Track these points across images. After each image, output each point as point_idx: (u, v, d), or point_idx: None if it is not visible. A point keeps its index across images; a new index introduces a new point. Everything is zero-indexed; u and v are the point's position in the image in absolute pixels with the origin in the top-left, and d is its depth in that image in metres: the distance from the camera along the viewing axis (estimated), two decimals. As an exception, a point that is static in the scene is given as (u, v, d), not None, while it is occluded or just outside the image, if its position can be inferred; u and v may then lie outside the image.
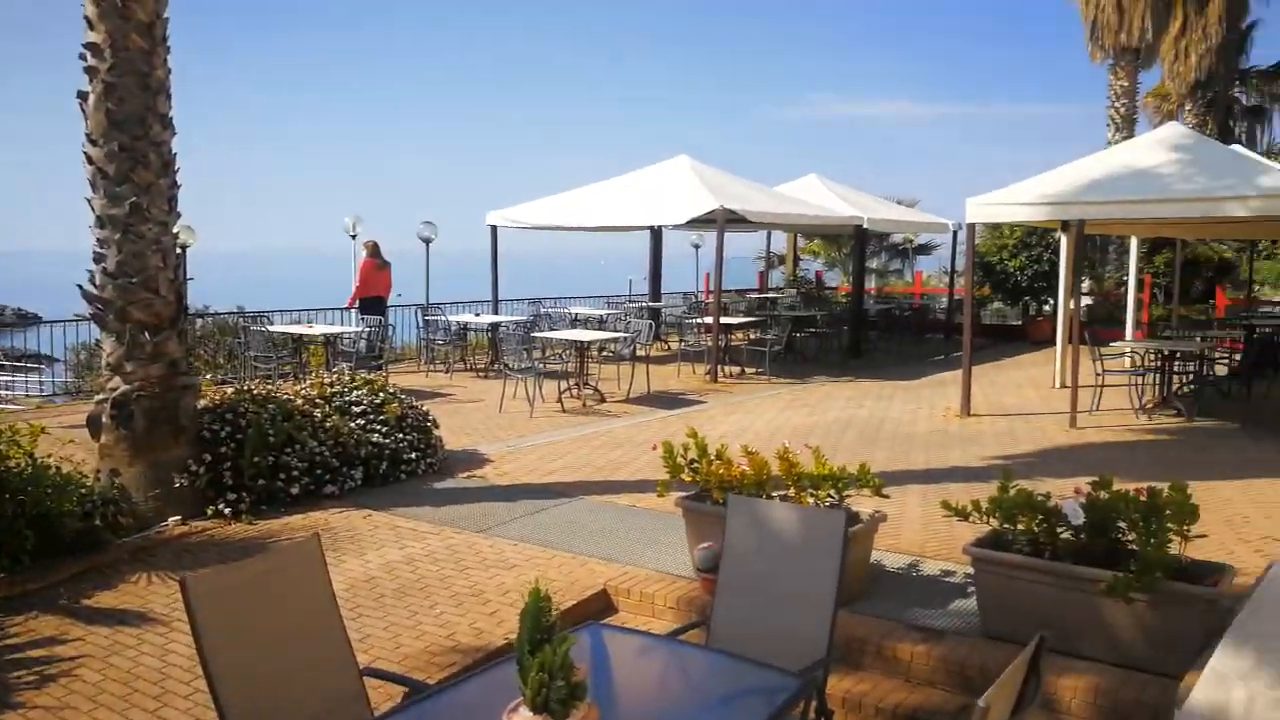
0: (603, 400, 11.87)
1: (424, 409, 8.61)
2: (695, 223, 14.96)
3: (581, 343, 12.05)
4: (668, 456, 5.63)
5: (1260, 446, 9.28)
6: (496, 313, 16.09)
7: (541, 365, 12.28)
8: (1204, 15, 20.62)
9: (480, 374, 14.35)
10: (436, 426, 8.56)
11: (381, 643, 4.85)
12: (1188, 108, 22.18)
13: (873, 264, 26.28)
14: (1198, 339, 12.60)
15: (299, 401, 7.69)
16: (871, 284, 24.97)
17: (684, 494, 5.75)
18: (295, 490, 7.15)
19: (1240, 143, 22.65)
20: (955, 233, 19.61)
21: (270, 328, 13.06)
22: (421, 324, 15.14)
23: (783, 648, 3.47)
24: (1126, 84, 22.05)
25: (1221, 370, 12.89)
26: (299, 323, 13.90)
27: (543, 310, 17.19)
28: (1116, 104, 22.22)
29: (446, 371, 14.60)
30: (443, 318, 15.22)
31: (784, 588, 3.77)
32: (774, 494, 5.34)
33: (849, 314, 17.64)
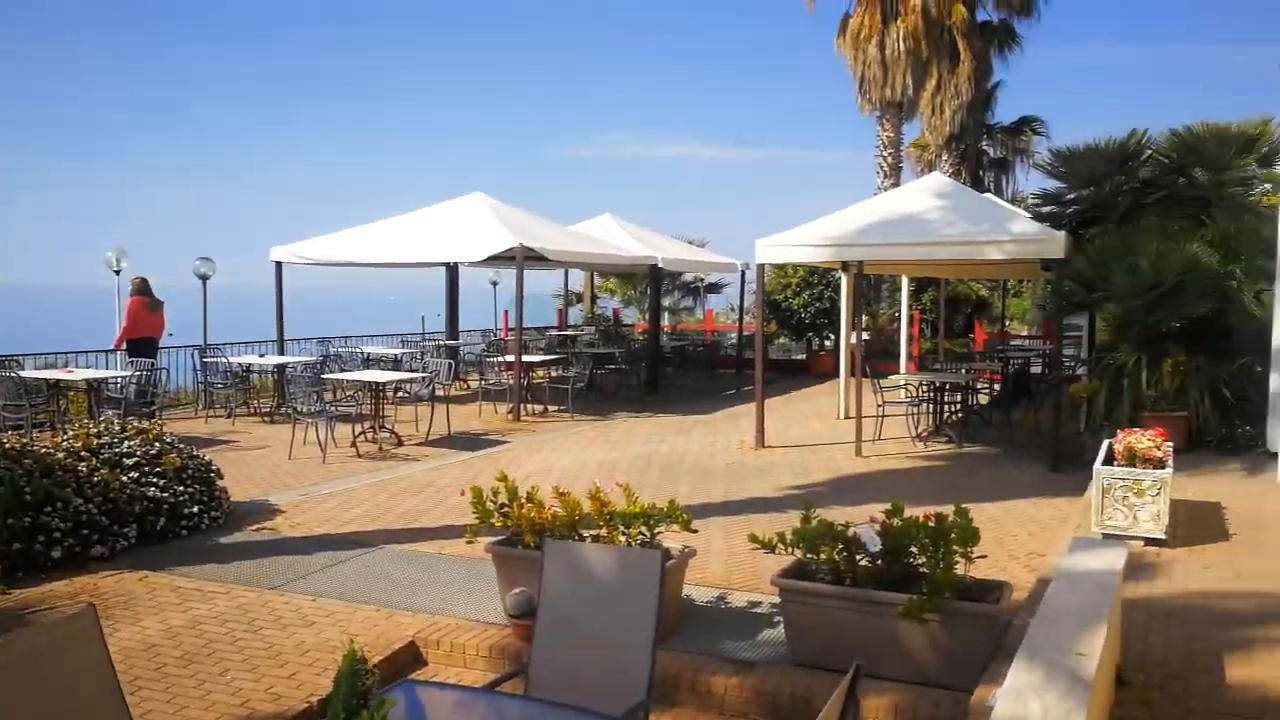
0: (400, 443, 11.50)
1: (206, 458, 8.04)
2: (493, 260, 14.86)
3: (376, 383, 11.64)
4: (477, 501, 5.50)
5: (1020, 469, 10.13)
6: (283, 353, 15.31)
7: (333, 408, 11.77)
8: (955, 75, 22.61)
9: (266, 419, 13.60)
10: (220, 477, 8.00)
11: (165, 718, 4.44)
12: (945, 158, 24.17)
13: (666, 302, 26.97)
14: (963, 371, 13.67)
15: (60, 455, 6.99)
16: (666, 321, 25.61)
17: (494, 539, 5.63)
18: (57, 553, 6.47)
19: (990, 191, 24.93)
20: (743, 272, 20.45)
21: (21, 373, 11.85)
22: (199, 366, 14.19)
23: (604, 691, 3.44)
24: (892, 135, 23.81)
25: (984, 399, 14.02)
26: (55, 366, 12.70)
27: (333, 350, 16.51)
28: (884, 153, 23.93)
29: (228, 416, 13.73)
30: (223, 359, 14.33)
31: (603, 630, 3.74)
32: (586, 533, 5.32)
33: (646, 351, 17.98)
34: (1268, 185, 11.02)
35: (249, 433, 12.47)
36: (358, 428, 11.44)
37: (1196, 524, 7.01)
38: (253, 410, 14.20)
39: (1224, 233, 10.26)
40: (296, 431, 11.16)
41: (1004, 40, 24.18)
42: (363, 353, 16.52)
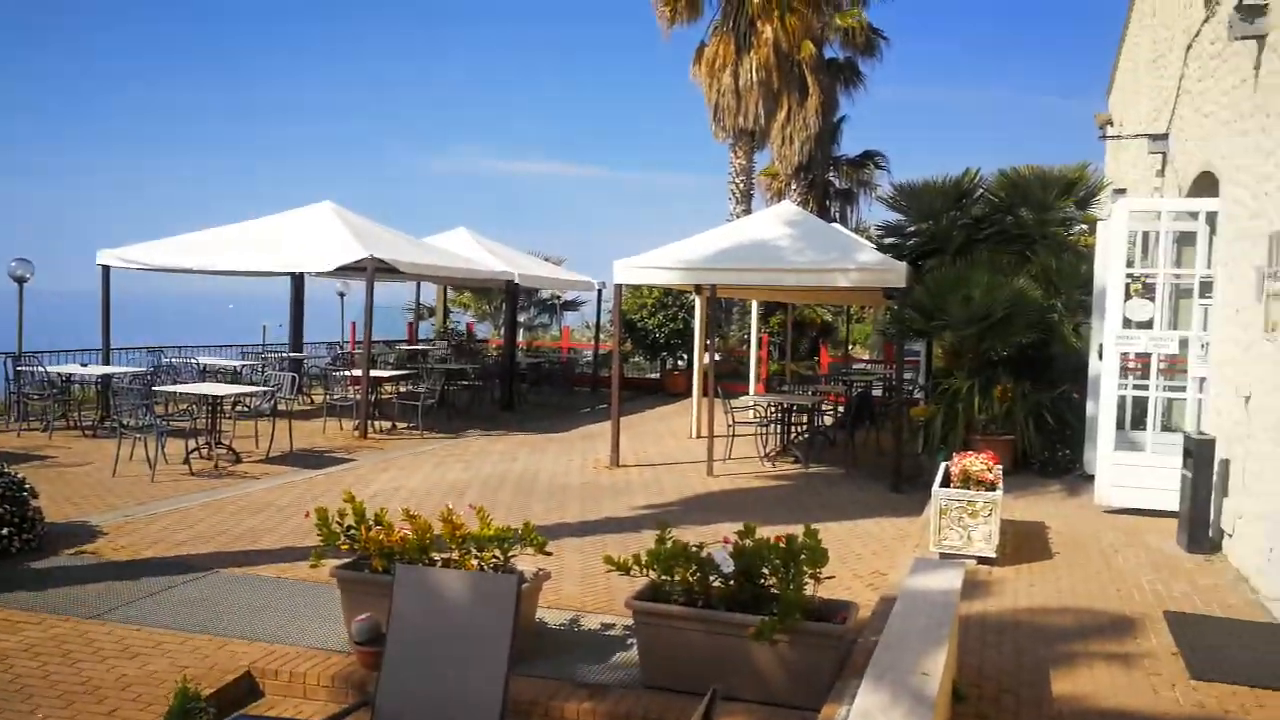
0: (239, 461, 10.97)
1: (18, 475, 7.42)
2: (342, 270, 14.40)
3: (213, 396, 11.06)
4: (322, 523, 5.28)
5: (863, 489, 10.52)
6: (108, 362, 14.38)
7: (165, 422, 11.11)
8: (804, 107, 23.45)
9: (88, 433, 12.71)
10: (35, 496, 7.39)
11: (-35, 763, 4.06)
12: (794, 187, 24.98)
13: (523, 318, 26.78)
14: (809, 393, 14.11)
15: None
16: (522, 338, 25.43)
17: (340, 563, 5.42)
18: None
19: (837, 220, 25.91)
20: (600, 290, 20.53)
21: None
22: (12, 375, 13.15)
23: (456, 722, 3.35)
24: (744, 162, 24.44)
25: (829, 421, 14.51)
26: None
27: (165, 361, 15.62)
28: (737, 179, 24.54)
29: (45, 430, 12.75)
30: (40, 368, 13.33)
31: (455, 657, 3.65)
32: (438, 557, 5.19)
33: (501, 367, 17.79)
34: (1084, 226, 11.89)
35: (68, 448, 11.63)
36: (191, 443, 10.84)
37: (1023, 543, 7.43)
38: (73, 424, 13.24)
39: (1047, 268, 11.00)
40: (123, 447, 10.47)
41: (849, 77, 25.25)
42: (199, 364, 15.71)
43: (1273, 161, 6.45)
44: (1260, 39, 6.78)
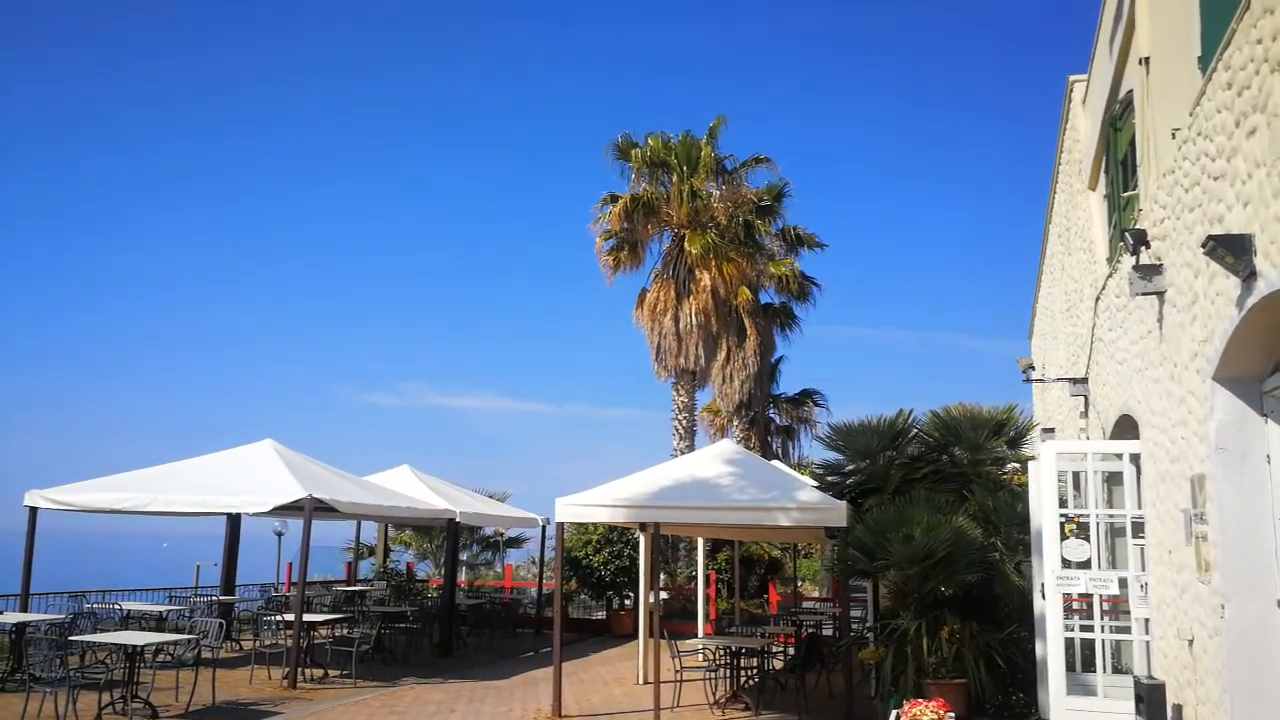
0: (155, 716, 10.27)
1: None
2: (281, 510, 14.13)
3: (133, 646, 10.46)
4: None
5: (815, 738, 10.11)
6: (26, 609, 13.66)
7: (79, 675, 10.45)
8: (743, 348, 24.38)
9: (-5, 686, 11.88)
10: (-74, 763, 6.83)
11: None
12: (736, 423, 25.52)
13: (464, 556, 26.21)
14: (759, 634, 13.80)
15: None
16: (463, 576, 24.78)
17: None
18: None
19: (778, 455, 26.34)
20: (544, 527, 20.32)
21: None
22: (-81, 624, 12.41)
23: None
24: (686, 400, 25.04)
25: (778, 663, 14.12)
26: None
27: (86, 606, 14.89)
28: (679, 416, 25.03)
29: (-53, 684, 11.90)
30: (-50, 615, 12.61)
31: None
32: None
33: (440, 609, 17.22)
34: (1016, 464, 12.22)
35: (-30, 704, 10.83)
36: (106, 697, 10.16)
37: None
38: (-21, 676, 12.38)
39: (984, 507, 11.17)
40: (31, 703, 9.79)
41: (785, 320, 26.45)
42: (122, 609, 15.00)
43: (1184, 408, 6.80)
44: (1160, 294, 7.32)
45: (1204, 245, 5.53)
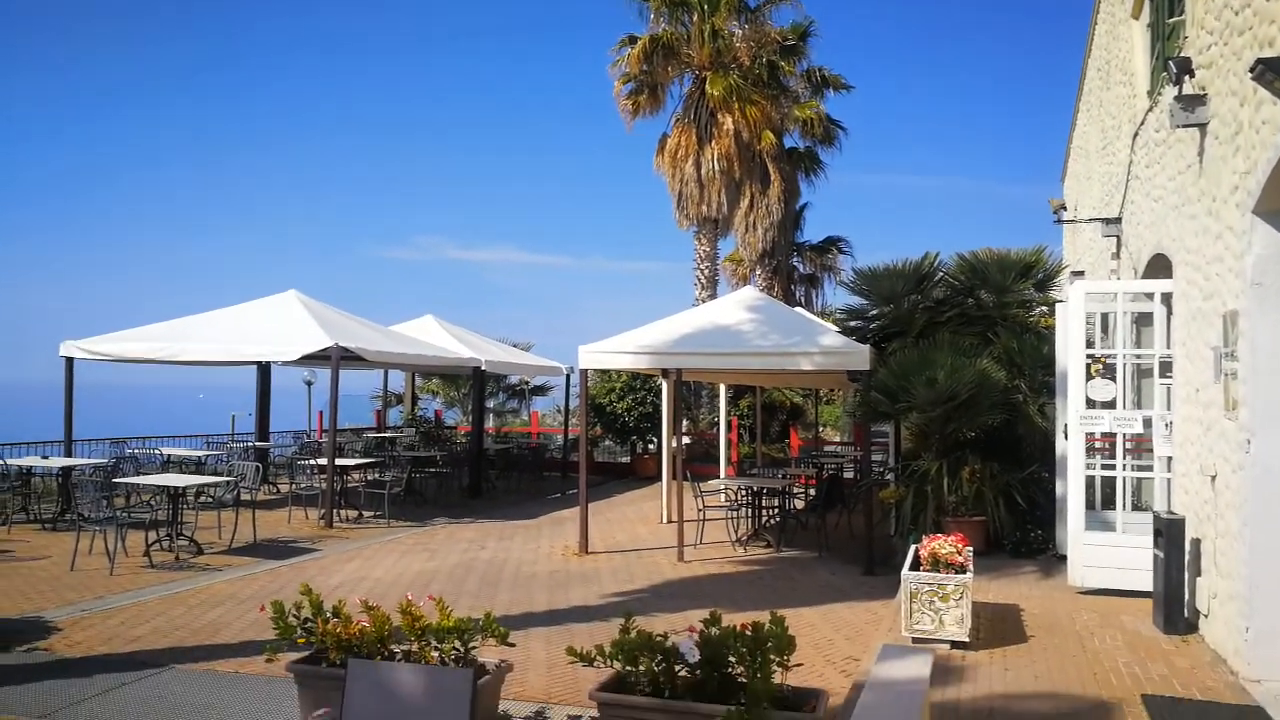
0: (200, 552, 10.72)
1: (-31, 572, 7.22)
2: (309, 359, 14.33)
3: (175, 488, 10.85)
4: (278, 616, 5.14)
5: (835, 573, 10.42)
6: (70, 454, 14.12)
7: (125, 514, 10.87)
8: (767, 195, 23.92)
9: (48, 526, 12.41)
10: (-15, 593, 7.20)
11: None
12: (759, 272, 25.32)
13: (491, 404, 26.67)
14: (780, 476, 14.07)
15: None
16: (490, 423, 25.28)
17: (296, 656, 5.26)
18: None
19: (801, 304, 26.23)
20: (568, 375, 20.55)
21: None
22: (-30, 469, 12.87)
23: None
24: (708, 249, 24.79)
25: (799, 504, 14.44)
26: None
27: (128, 451, 15.36)
28: (701, 266, 24.84)
29: (3, 524, 12.44)
30: (-1, 461, 13.06)
31: (412, 756, 3.53)
32: (397, 649, 5.05)
33: (469, 453, 17.64)
34: (1044, 307, 12.09)
35: (27, 541, 11.34)
36: (153, 535, 10.59)
37: (997, 626, 7.36)
38: (33, 517, 12.94)
39: (1009, 349, 11.13)
40: (82, 540, 10.23)
41: (810, 166, 25.84)
42: (162, 454, 15.47)
43: (1221, 244, 6.62)
44: (1202, 126, 7.02)
45: (1252, 70, 5.25)
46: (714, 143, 23.03)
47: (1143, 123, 9.40)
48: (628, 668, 4.80)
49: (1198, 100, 6.95)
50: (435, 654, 4.99)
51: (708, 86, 23.00)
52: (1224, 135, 6.54)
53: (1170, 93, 7.43)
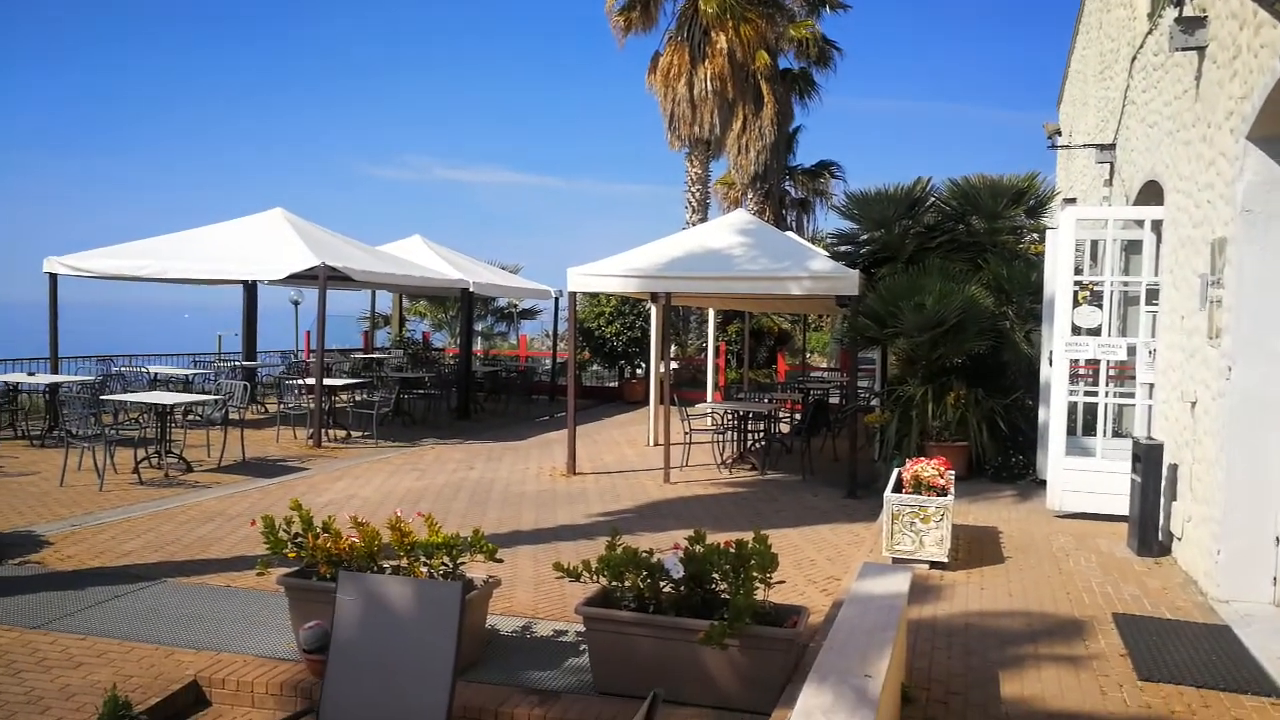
0: (189, 470, 10.78)
1: (-41, 487, 7.26)
2: (295, 279, 14.24)
3: (163, 405, 10.87)
4: (268, 531, 5.21)
5: (818, 496, 10.58)
6: (56, 371, 14.10)
7: (113, 432, 10.91)
8: (760, 117, 23.62)
9: (35, 443, 12.44)
10: (-24, 507, 7.25)
11: (-106, 781, 3.94)
12: (750, 196, 25.15)
13: (479, 326, 26.65)
14: (766, 400, 14.17)
15: None
16: (479, 346, 25.30)
17: (287, 570, 5.35)
18: None
19: (793, 229, 26.11)
20: (556, 299, 20.51)
21: None
22: (-44, 385, 12.85)
23: (401, 730, 3.31)
24: (700, 171, 24.56)
25: (785, 428, 14.58)
26: None
27: (115, 369, 15.35)
28: (692, 188, 24.65)
29: (-11, 440, 12.48)
30: (-15, 377, 13.03)
31: (399, 664, 3.61)
32: (387, 564, 5.14)
33: (457, 375, 17.69)
34: (1035, 234, 12.07)
35: (15, 457, 11.37)
36: (141, 453, 10.65)
37: (976, 548, 7.51)
38: (20, 433, 12.97)
39: (998, 276, 11.14)
40: (70, 457, 10.28)
41: (804, 88, 25.46)
42: (149, 372, 15.46)
43: (1213, 170, 6.60)
44: (1200, 50, 6.93)
45: (1256, -10, 5.16)
46: (707, 62, 22.64)
47: (1141, 46, 9.27)
48: (613, 583, 4.90)
49: (1197, 22, 6.85)
50: (424, 569, 5.08)
51: (701, 3, 22.53)
52: (1222, 59, 6.47)
53: (1170, 14, 7.32)
